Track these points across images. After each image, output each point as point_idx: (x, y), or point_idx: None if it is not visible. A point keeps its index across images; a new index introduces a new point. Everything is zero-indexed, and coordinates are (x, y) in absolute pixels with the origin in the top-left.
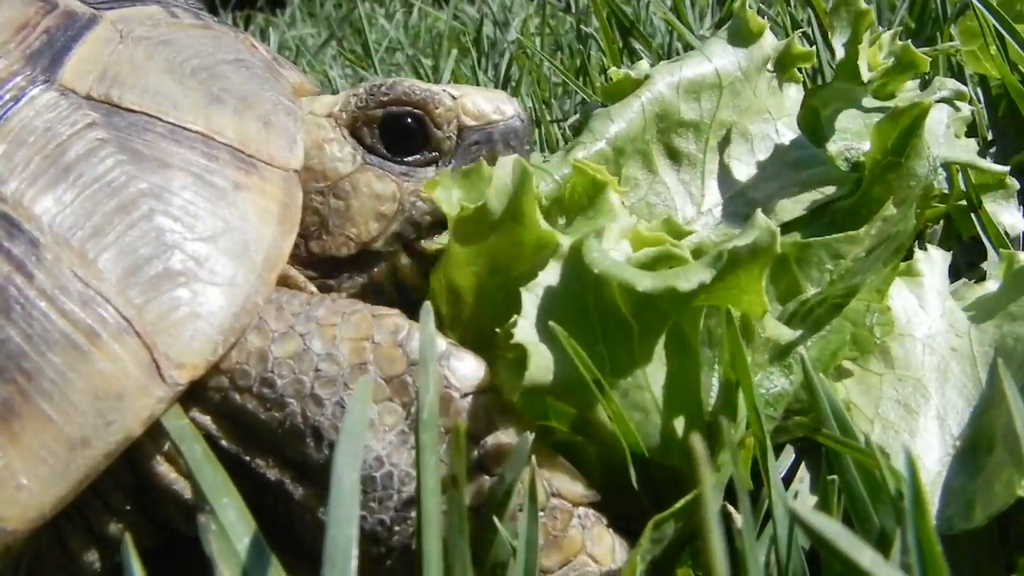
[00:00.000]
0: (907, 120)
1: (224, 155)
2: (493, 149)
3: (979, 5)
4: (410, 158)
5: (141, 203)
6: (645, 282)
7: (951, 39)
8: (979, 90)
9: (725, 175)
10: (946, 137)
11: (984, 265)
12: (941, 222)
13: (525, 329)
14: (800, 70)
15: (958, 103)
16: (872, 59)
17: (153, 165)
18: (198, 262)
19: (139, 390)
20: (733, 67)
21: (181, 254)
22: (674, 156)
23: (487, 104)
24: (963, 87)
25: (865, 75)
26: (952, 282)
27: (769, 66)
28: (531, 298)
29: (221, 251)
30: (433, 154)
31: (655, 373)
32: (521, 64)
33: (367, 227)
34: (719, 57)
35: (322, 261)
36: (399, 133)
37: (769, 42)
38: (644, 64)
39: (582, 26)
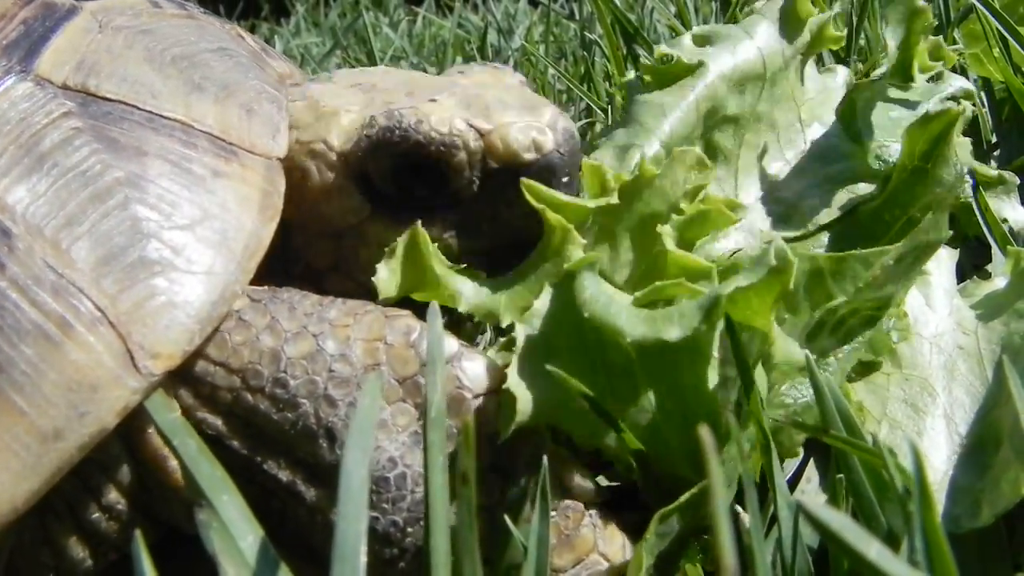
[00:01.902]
0: (937, 127)
1: (203, 143)
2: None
3: (982, 8)
4: (425, 205)
5: (116, 192)
6: (636, 330)
7: (954, 42)
8: (983, 93)
9: (757, 172)
10: None
11: (989, 267)
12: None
13: (515, 370)
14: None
15: (963, 102)
16: (920, 60)
17: (129, 153)
18: (175, 251)
19: (113, 381)
20: (777, 54)
21: (157, 243)
22: (712, 152)
23: (522, 139)
24: (970, 85)
25: (918, 77)
26: (959, 284)
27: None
28: (525, 330)
29: (199, 239)
30: (451, 199)
31: (662, 392)
32: (525, 71)
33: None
34: (763, 40)
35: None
36: (414, 180)
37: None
38: (688, 42)
39: (586, 33)
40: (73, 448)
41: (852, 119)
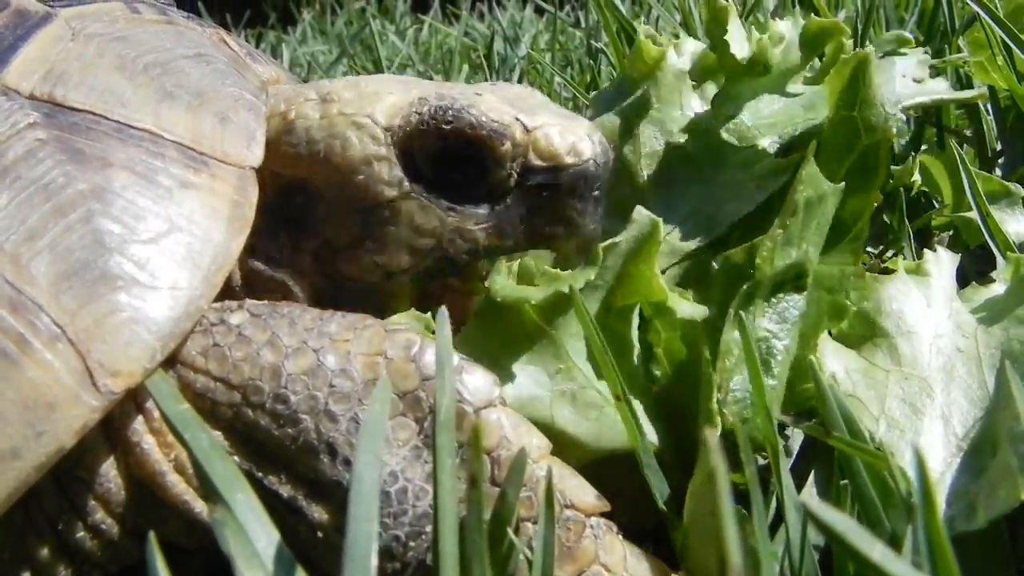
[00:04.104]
0: (847, 71)
1: (172, 153)
2: (556, 193)
3: (986, 17)
4: (461, 194)
5: (79, 205)
6: (536, 295)
7: (959, 51)
8: (988, 101)
9: (674, 202)
10: (907, 85)
11: (993, 274)
12: (950, 232)
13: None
14: None
15: (908, 49)
16: (758, 46)
17: (95, 165)
18: (138, 265)
19: (71, 399)
20: (644, 100)
21: (119, 257)
22: (616, 209)
23: (562, 143)
24: (905, 34)
25: (741, 54)
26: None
27: (690, 77)
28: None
29: (163, 253)
30: (488, 192)
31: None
32: (532, 79)
33: (398, 258)
34: (622, 98)
35: (346, 281)
36: (455, 166)
37: (686, 56)
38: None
39: (592, 41)
40: (30, 468)
41: (740, 125)
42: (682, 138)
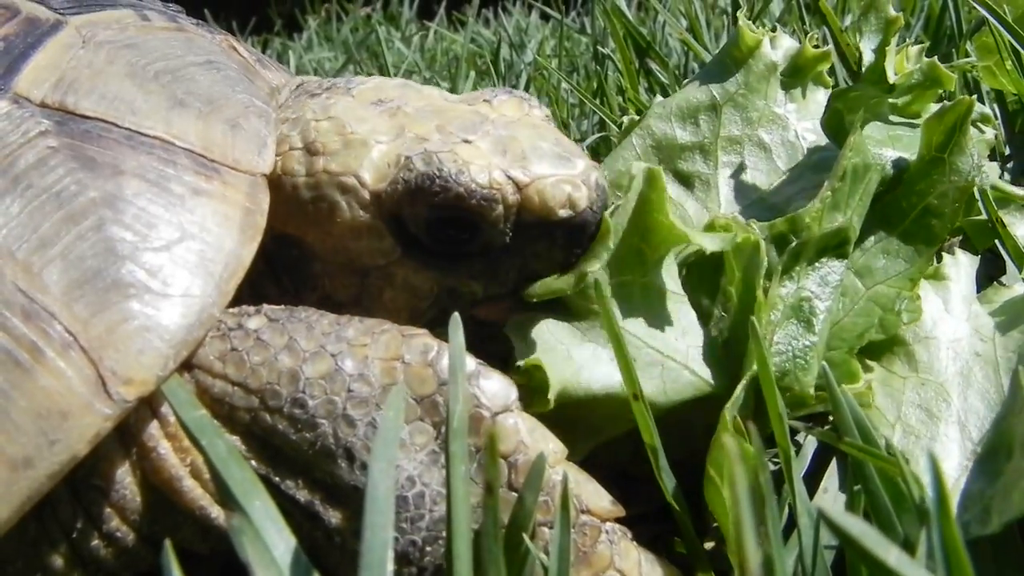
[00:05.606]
0: (952, 117)
1: (183, 160)
2: (552, 243)
3: (994, 21)
4: (455, 252)
5: (91, 213)
6: (569, 287)
7: (967, 55)
8: (996, 106)
9: (742, 186)
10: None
11: (1004, 279)
12: (959, 236)
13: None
14: (831, 74)
15: (981, 126)
16: (899, 65)
17: (106, 173)
18: (150, 273)
19: (84, 408)
20: (732, 84)
21: (132, 265)
22: (685, 180)
23: (556, 197)
24: (987, 110)
25: (892, 77)
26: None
27: (781, 73)
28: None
29: (176, 261)
30: (482, 248)
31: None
32: (538, 85)
33: (396, 315)
34: (713, 78)
35: None
36: (446, 227)
37: (780, 51)
38: (658, 99)
39: (599, 47)
40: (43, 476)
41: (841, 127)
42: (762, 127)
